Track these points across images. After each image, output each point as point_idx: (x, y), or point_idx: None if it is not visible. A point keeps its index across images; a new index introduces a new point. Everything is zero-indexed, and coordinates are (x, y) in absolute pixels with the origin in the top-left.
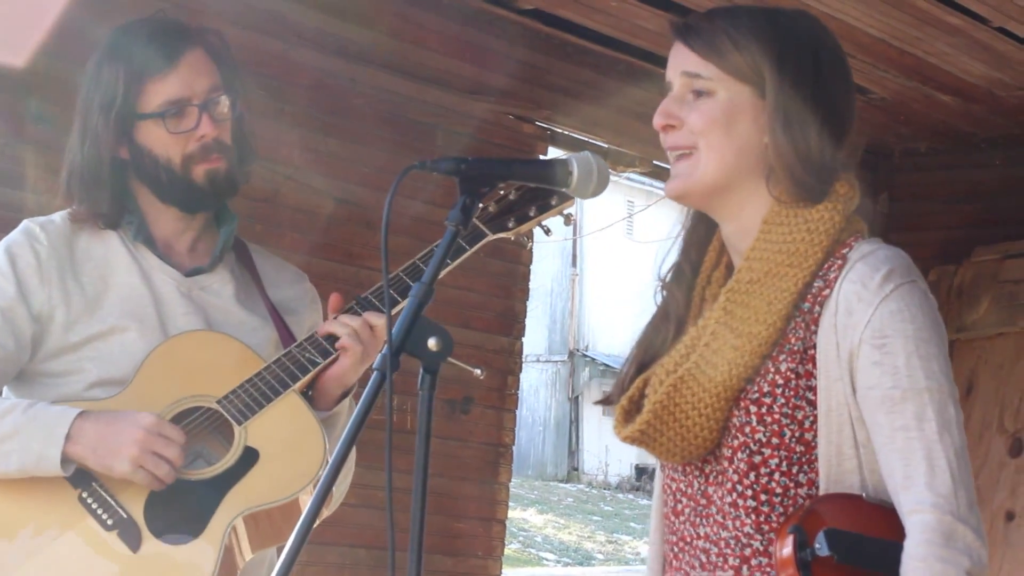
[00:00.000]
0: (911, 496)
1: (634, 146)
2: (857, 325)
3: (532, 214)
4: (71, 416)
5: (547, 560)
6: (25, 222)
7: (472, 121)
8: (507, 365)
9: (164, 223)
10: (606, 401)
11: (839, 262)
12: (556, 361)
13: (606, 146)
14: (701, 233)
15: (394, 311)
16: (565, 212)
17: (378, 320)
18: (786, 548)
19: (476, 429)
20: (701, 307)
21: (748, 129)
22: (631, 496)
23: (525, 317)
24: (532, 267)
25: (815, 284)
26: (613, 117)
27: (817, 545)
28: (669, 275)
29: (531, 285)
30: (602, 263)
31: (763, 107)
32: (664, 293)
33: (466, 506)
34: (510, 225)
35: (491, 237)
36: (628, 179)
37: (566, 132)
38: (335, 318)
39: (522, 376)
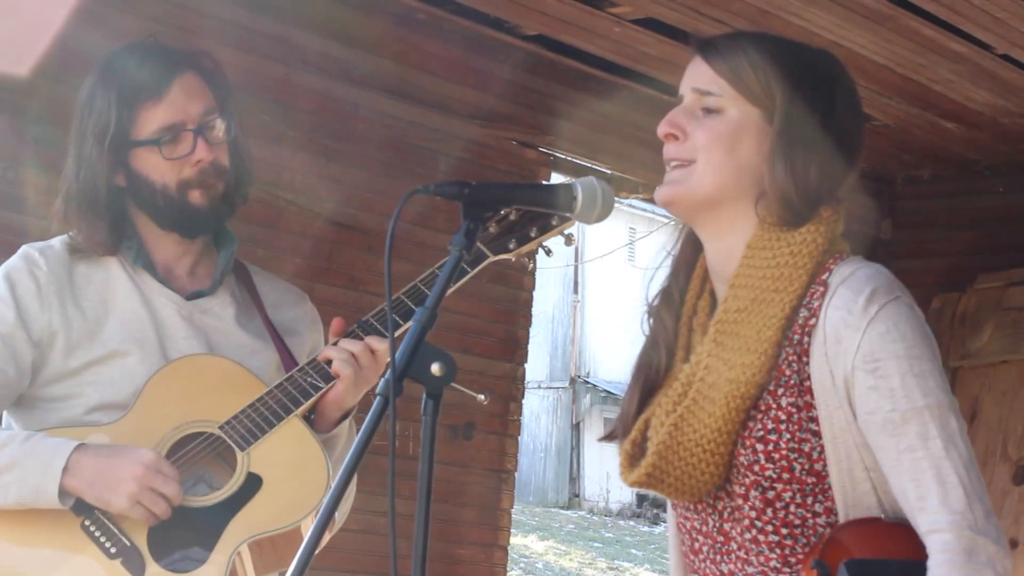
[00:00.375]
0: (927, 517)
1: (637, 172)
2: (847, 352)
3: (533, 235)
4: (68, 449)
5: None
6: (24, 247)
7: (474, 146)
8: (509, 391)
9: (163, 248)
10: (609, 437)
11: (820, 289)
12: (557, 387)
13: (609, 172)
14: (689, 255)
15: (397, 334)
16: (566, 232)
17: (380, 344)
18: None
19: (478, 455)
20: (690, 337)
21: (750, 151)
22: (632, 523)
23: (528, 343)
24: (534, 293)
25: (801, 313)
26: (616, 143)
27: None
28: (656, 299)
29: (532, 311)
30: (604, 290)
31: (768, 132)
32: (651, 320)
33: (468, 532)
34: (511, 246)
35: (492, 258)
36: (630, 206)
37: (568, 158)
38: (335, 343)
39: (523, 402)
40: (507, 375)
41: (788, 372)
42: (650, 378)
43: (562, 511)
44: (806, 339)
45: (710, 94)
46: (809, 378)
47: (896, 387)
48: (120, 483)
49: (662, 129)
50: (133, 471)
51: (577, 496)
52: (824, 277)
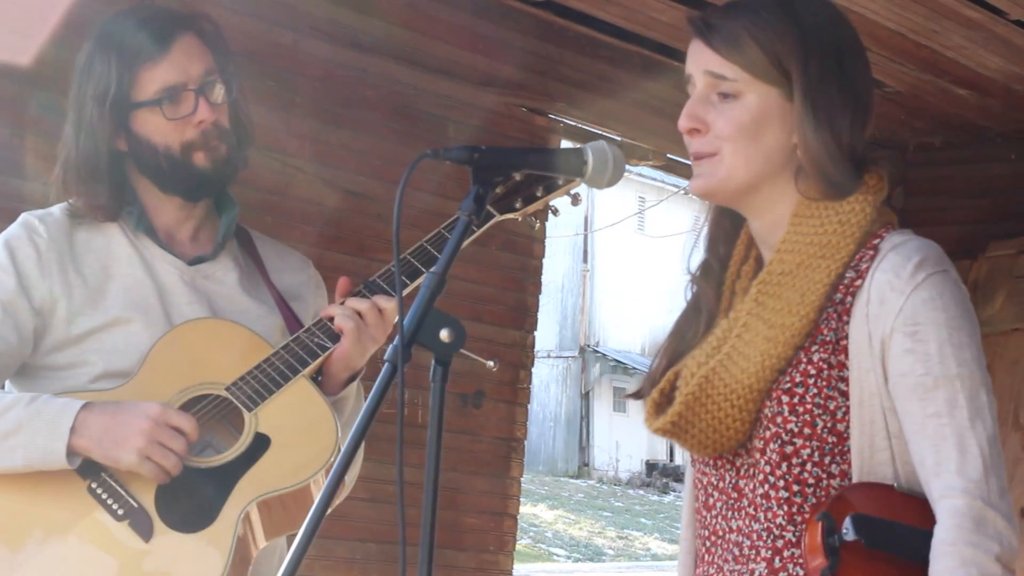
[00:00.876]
0: (941, 482)
1: (648, 139)
2: (889, 314)
3: (539, 194)
4: (75, 408)
5: (557, 556)
6: (23, 215)
7: (483, 113)
8: (519, 359)
9: (165, 212)
10: (636, 395)
11: (871, 252)
12: (567, 357)
13: (619, 139)
14: (727, 226)
15: (404, 294)
16: (572, 192)
17: (387, 303)
18: (814, 535)
19: (488, 423)
20: (731, 301)
21: (776, 132)
22: (641, 492)
23: (537, 311)
24: (544, 261)
25: (847, 275)
26: (626, 110)
27: (844, 530)
28: (698, 270)
29: (542, 279)
30: (613, 259)
31: (790, 108)
32: (694, 287)
33: (477, 501)
34: (517, 206)
35: (499, 218)
36: (640, 175)
37: (579, 125)
38: (342, 303)
39: (533, 371)
40: (517, 343)
41: (826, 330)
42: (686, 340)
43: (571, 480)
44: (849, 299)
45: (724, 79)
46: (847, 337)
47: (932, 352)
48: (128, 438)
49: (683, 124)
50: (140, 425)
51: (586, 465)
52: (876, 242)
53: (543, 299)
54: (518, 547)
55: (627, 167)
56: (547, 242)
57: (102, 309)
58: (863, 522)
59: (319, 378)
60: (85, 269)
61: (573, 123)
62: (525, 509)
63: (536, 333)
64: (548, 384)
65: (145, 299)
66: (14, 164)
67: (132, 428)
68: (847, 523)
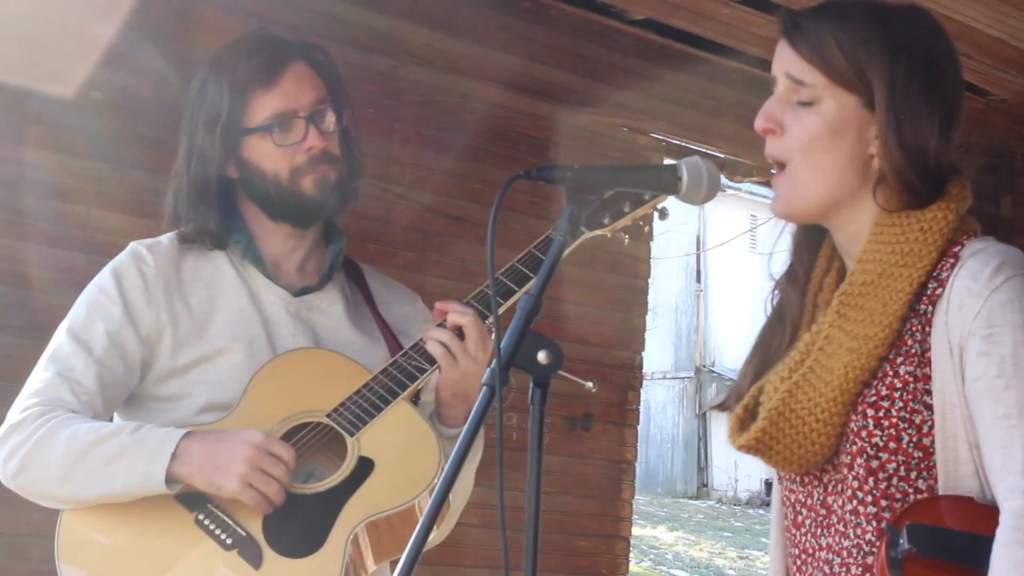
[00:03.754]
0: (1006, 484)
1: (751, 155)
2: (967, 318)
3: (626, 209)
4: (177, 436)
5: None
6: (132, 244)
7: (585, 134)
8: (627, 380)
9: (273, 241)
10: (722, 406)
11: (951, 261)
12: (683, 378)
13: (722, 156)
14: (813, 236)
15: (500, 312)
16: (659, 206)
17: (463, 320)
18: (881, 548)
19: (597, 446)
20: (814, 313)
21: (853, 143)
22: (761, 511)
23: (644, 331)
24: (656, 284)
25: (929, 285)
26: (729, 126)
27: (902, 541)
28: (783, 277)
29: (655, 302)
30: (726, 278)
31: (870, 118)
32: (779, 295)
33: (589, 524)
34: (605, 222)
35: (588, 235)
36: (750, 192)
37: (681, 143)
38: (440, 324)
39: (649, 394)
40: (624, 364)
41: (911, 342)
42: (770, 352)
43: (691, 501)
44: (931, 308)
45: (803, 84)
46: (930, 348)
47: (1007, 354)
48: (230, 465)
49: (759, 123)
50: (242, 452)
51: (705, 486)
52: (956, 250)
53: (657, 321)
54: (639, 569)
55: (734, 184)
56: (660, 263)
57: (207, 339)
58: (918, 531)
59: (421, 401)
60: (191, 298)
61: (675, 141)
62: (645, 531)
63: (643, 354)
64: (665, 406)
65: (250, 329)
66: (116, 199)
67: (234, 455)
68: (903, 533)
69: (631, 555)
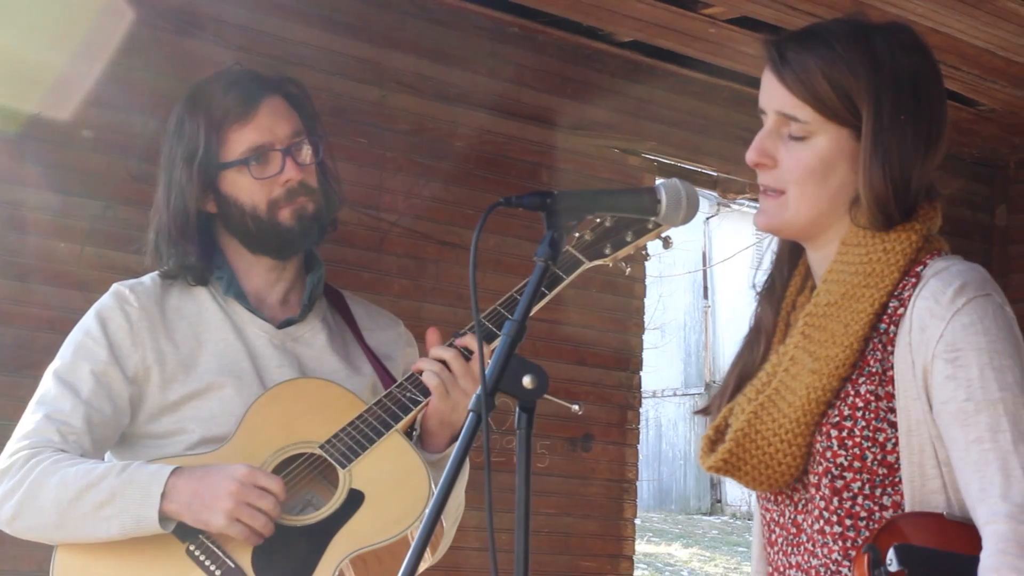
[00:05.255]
0: (986, 508)
1: (743, 172)
2: (930, 341)
3: (629, 239)
4: (165, 474)
5: None
6: (114, 285)
7: (576, 157)
8: (626, 400)
9: (255, 275)
10: (704, 411)
11: (913, 280)
12: (693, 394)
13: (715, 174)
14: (795, 251)
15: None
16: (663, 235)
17: (472, 346)
18: (861, 567)
19: (598, 466)
20: (786, 332)
21: (844, 173)
22: None
23: (642, 350)
24: (663, 302)
25: (890, 304)
26: (719, 144)
27: (889, 561)
28: (762, 288)
29: (664, 320)
30: (734, 294)
31: (858, 148)
32: (756, 310)
33: (592, 544)
34: (606, 252)
35: (587, 265)
36: (752, 207)
37: (672, 162)
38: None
39: (660, 411)
40: (623, 384)
41: (872, 362)
42: (748, 366)
43: (705, 517)
44: (892, 328)
45: (795, 120)
46: (892, 368)
47: (974, 378)
48: (215, 501)
49: (751, 157)
50: (227, 487)
51: (719, 502)
52: (918, 270)
53: (665, 338)
54: None
55: (730, 202)
56: (666, 280)
57: (196, 375)
58: (907, 552)
59: (413, 431)
60: (177, 336)
61: (667, 160)
62: (659, 548)
63: (642, 373)
64: (675, 422)
65: (237, 364)
66: (111, 236)
67: (220, 491)
68: (891, 554)
69: (647, 573)
